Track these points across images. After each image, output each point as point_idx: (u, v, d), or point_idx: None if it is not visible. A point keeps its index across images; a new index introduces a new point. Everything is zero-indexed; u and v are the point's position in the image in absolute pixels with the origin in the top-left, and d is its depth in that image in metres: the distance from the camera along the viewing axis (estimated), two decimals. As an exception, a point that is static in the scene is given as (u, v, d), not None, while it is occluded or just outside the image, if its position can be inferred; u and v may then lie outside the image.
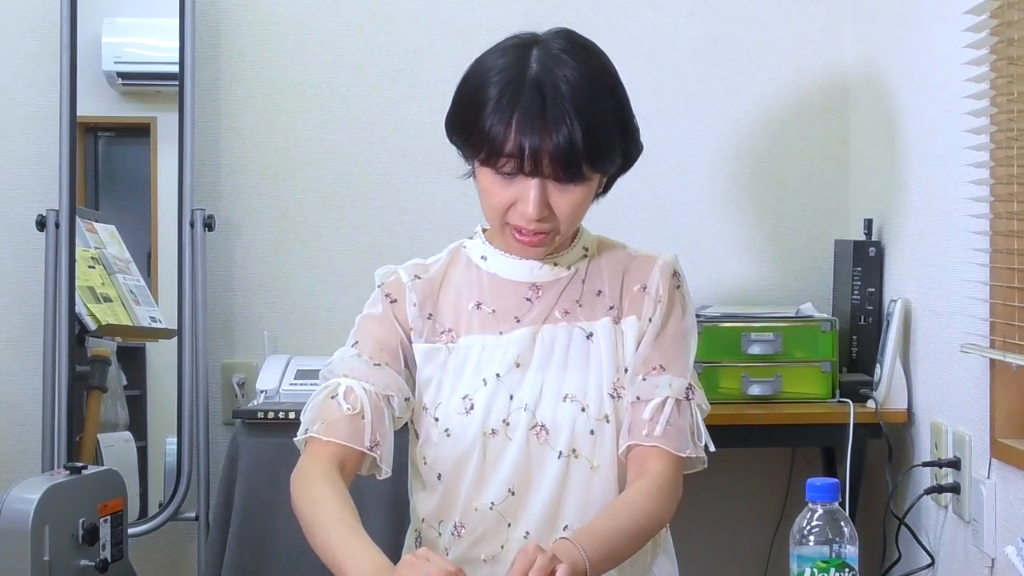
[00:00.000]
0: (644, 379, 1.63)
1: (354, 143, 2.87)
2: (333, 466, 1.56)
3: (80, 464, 2.08)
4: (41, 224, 2.72)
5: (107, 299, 2.77)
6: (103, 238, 2.84)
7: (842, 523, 1.31)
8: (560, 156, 1.51)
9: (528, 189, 1.54)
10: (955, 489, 2.16)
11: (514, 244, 1.62)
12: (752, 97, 2.87)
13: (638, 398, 1.61)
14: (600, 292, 1.67)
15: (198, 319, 2.76)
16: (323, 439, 1.58)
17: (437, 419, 1.63)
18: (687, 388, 1.63)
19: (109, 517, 2.10)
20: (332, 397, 1.60)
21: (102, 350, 2.79)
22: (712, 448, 1.64)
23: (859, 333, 2.61)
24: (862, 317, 2.60)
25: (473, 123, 1.55)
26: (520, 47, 1.58)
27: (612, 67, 1.61)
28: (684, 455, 1.60)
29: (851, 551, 1.31)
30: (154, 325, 2.82)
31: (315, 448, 1.59)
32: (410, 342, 1.66)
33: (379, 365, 1.63)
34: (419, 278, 1.69)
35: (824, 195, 2.88)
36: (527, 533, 1.59)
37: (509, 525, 1.60)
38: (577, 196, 1.57)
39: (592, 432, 1.60)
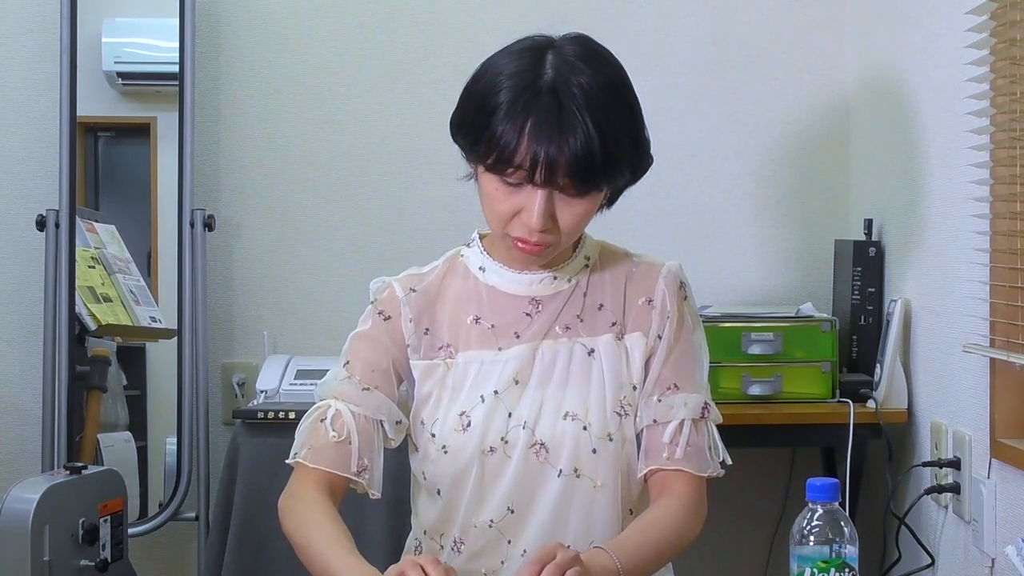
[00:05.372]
0: (659, 400, 1.60)
1: (354, 143, 2.87)
2: (322, 490, 1.55)
3: (80, 464, 2.08)
4: (41, 224, 2.72)
5: (107, 299, 2.76)
6: (103, 238, 2.84)
7: (842, 523, 1.31)
8: (576, 166, 1.46)
9: (533, 200, 1.49)
10: (955, 489, 2.16)
11: (513, 251, 1.57)
12: (752, 97, 2.87)
13: (655, 421, 1.59)
14: (602, 306, 1.63)
15: (198, 319, 2.76)
16: (309, 465, 1.57)
17: (434, 435, 1.60)
18: (703, 407, 1.61)
19: (109, 517, 2.09)
20: (321, 420, 1.59)
21: (102, 350, 2.78)
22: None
23: (859, 333, 2.60)
24: (862, 317, 2.60)
25: (482, 128, 1.49)
26: (534, 50, 1.51)
27: (627, 76, 1.55)
28: (706, 475, 1.59)
29: (851, 551, 1.31)
30: (154, 325, 2.82)
31: (303, 474, 1.58)
32: (406, 359, 1.63)
33: (368, 389, 1.60)
34: (414, 291, 1.64)
35: (824, 195, 2.88)
36: (524, 551, 1.56)
37: (509, 542, 1.58)
38: (582, 209, 1.52)
39: (595, 451, 1.57)
